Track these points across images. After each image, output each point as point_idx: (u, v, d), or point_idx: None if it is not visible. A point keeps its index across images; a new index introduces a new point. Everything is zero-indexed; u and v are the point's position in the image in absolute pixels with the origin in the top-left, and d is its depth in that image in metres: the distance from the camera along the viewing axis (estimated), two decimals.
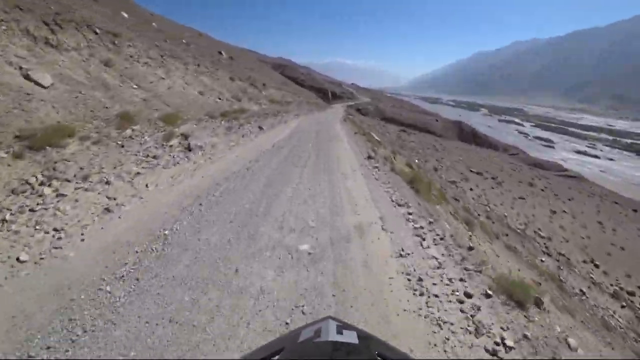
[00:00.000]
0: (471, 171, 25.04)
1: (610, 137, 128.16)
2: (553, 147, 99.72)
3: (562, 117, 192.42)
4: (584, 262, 13.85)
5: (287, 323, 3.24)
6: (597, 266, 13.86)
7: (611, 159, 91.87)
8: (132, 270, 3.73)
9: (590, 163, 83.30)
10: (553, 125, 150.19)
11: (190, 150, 7.78)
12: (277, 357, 0.69)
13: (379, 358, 0.67)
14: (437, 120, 44.84)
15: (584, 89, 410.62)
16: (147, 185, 5.85)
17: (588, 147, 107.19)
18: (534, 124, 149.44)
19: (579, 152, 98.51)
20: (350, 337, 0.73)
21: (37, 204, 4.40)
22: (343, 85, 72.67)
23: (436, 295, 3.93)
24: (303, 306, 3.52)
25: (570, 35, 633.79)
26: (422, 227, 5.77)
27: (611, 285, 12.44)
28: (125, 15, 16.30)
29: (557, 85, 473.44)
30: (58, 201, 4.61)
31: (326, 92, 49.87)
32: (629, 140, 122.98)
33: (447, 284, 4.19)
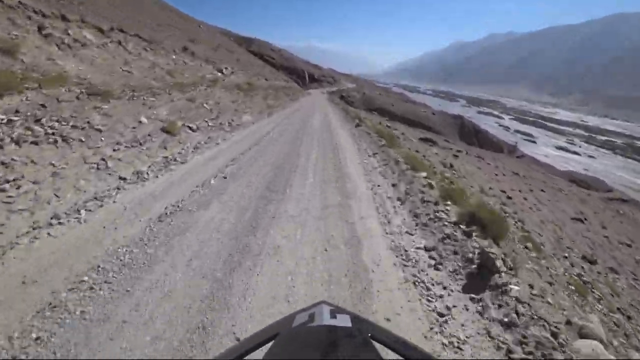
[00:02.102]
0: None
1: (586, 133, 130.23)
2: (535, 142, 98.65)
3: (537, 111, 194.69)
4: None
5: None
6: None
7: (591, 157, 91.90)
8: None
9: (573, 160, 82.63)
10: (530, 119, 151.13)
11: None
12: (272, 342, 0.70)
13: (372, 340, 0.69)
14: (433, 114, 38.38)
15: (555, 83, 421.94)
16: None
17: (567, 143, 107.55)
18: (512, 117, 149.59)
19: (559, 148, 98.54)
20: (344, 321, 0.74)
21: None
22: (322, 68, 64.61)
23: None
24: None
25: (544, 30, 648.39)
26: None
27: None
28: None
29: (530, 77, 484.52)
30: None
31: (301, 74, 41.82)
32: (604, 137, 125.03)
33: None
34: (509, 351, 3.05)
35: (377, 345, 0.69)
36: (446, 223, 5.45)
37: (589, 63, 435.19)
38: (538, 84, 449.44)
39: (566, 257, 9.65)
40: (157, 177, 6.35)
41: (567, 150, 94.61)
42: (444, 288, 4.01)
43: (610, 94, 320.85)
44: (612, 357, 3.10)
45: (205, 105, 11.31)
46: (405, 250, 4.81)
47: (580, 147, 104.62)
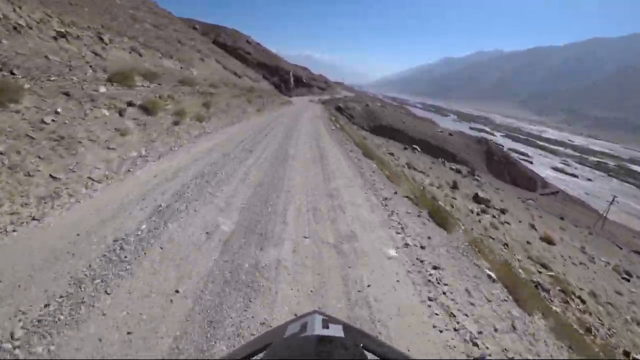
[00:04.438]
0: None
1: (577, 154, 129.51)
2: (531, 162, 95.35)
3: (526, 129, 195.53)
4: None
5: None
6: None
7: (589, 179, 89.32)
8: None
9: (572, 182, 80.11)
10: (521, 137, 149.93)
11: None
12: (264, 352, 0.70)
13: (364, 351, 0.69)
14: (450, 134, 31.43)
15: (539, 102, 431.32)
16: None
17: (562, 163, 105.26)
18: (503, 134, 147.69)
19: (555, 169, 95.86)
20: (336, 331, 0.73)
21: None
22: (312, 72, 57.48)
23: None
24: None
25: (529, 50, 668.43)
26: None
27: None
28: None
29: (515, 95, 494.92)
30: None
31: (285, 77, 34.21)
32: (595, 159, 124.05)
33: None
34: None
35: (370, 356, 0.68)
36: None
37: (570, 84, 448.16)
38: (522, 102, 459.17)
39: None
40: None
41: (564, 172, 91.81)
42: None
43: (591, 115, 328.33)
44: None
45: None
46: None
47: (576, 168, 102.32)
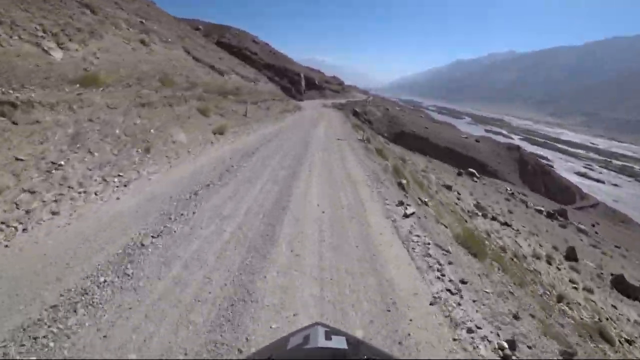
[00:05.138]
0: None
1: (601, 158, 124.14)
2: (553, 167, 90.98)
3: (544, 132, 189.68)
4: None
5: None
6: None
7: (615, 185, 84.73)
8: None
9: (598, 188, 75.70)
10: (540, 140, 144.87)
11: None
12: None
13: None
14: (477, 141, 28.64)
15: (555, 104, 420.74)
16: None
17: (586, 168, 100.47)
18: (521, 137, 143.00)
19: (579, 173, 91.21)
20: (340, 343, 0.73)
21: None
22: (325, 74, 55.16)
23: None
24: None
25: (543, 51, 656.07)
26: None
27: None
28: None
29: (529, 97, 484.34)
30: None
31: (295, 78, 32.14)
32: (620, 162, 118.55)
33: None
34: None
35: None
36: None
37: (587, 85, 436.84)
38: (538, 104, 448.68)
39: None
40: None
41: (588, 177, 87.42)
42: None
43: (609, 117, 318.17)
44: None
45: None
46: None
47: (600, 173, 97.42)
